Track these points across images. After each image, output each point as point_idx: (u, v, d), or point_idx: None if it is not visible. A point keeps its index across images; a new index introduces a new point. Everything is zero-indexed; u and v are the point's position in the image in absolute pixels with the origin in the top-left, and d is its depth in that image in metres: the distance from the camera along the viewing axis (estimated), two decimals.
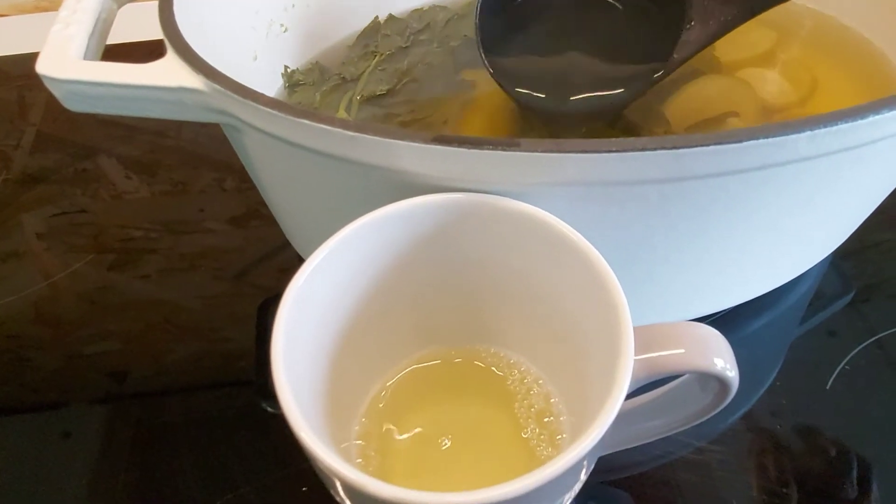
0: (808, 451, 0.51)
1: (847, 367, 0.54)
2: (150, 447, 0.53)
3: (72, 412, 0.56)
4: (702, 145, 0.36)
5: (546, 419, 0.44)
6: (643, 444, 0.46)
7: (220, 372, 0.58)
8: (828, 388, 0.53)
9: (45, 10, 1.00)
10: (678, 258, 0.46)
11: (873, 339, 0.56)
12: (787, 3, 0.55)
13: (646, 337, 0.36)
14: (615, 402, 0.32)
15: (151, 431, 0.54)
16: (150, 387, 0.57)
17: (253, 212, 0.69)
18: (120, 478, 0.51)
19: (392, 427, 0.45)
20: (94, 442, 0.53)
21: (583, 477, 0.36)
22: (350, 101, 0.61)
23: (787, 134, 0.36)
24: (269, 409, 0.54)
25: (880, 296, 0.60)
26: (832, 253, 0.60)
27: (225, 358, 0.59)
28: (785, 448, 0.51)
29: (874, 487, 0.49)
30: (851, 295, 0.60)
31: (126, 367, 0.58)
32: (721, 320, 0.56)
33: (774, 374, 0.55)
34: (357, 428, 0.44)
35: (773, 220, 0.45)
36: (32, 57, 0.45)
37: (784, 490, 0.48)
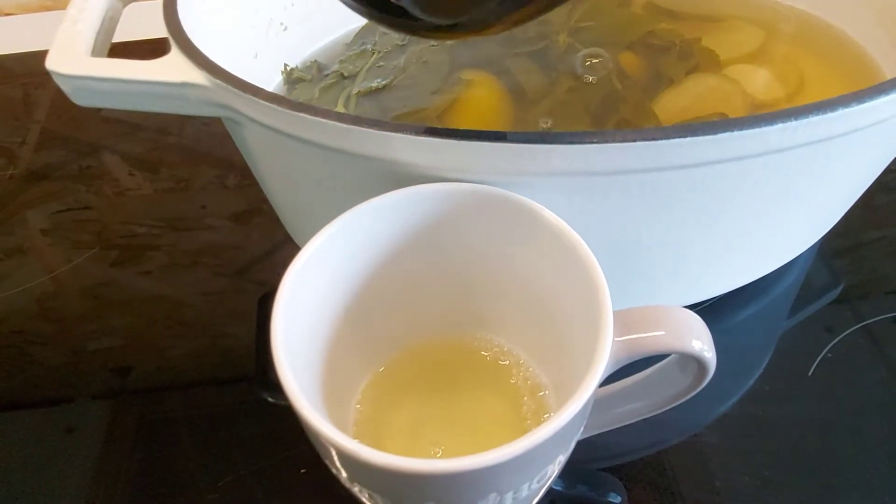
0: (790, 436, 0.53)
1: (829, 354, 0.56)
2: (152, 440, 0.54)
3: (75, 407, 0.57)
4: (678, 137, 0.38)
5: (534, 399, 0.46)
6: (635, 434, 0.48)
7: (222, 367, 0.59)
8: (810, 375, 0.55)
9: (50, 8, 1.01)
10: (662, 247, 0.48)
11: (854, 328, 0.58)
12: (776, 4, 0.57)
13: (627, 319, 0.38)
14: (593, 379, 0.34)
15: (154, 425, 0.55)
16: (152, 382, 0.58)
17: (254, 209, 0.71)
18: (123, 472, 0.52)
19: (386, 412, 0.47)
20: (97, 437, 0.55)
21: (565, 452, 0.38)
22: (348, 96, 0.62)
23: (760, 126, 0.39)
24: (269, 399, 0.56)
25: (869, 289, 0.62)
26: (821, 247, 0.62)
27: (227, 353, 0.60)
28: (768, 433, 0.53)
29: (853, 471, 0.51)
30: (840, 288, 0.62)
31: (129, 362, 0.60)
32: (708, 310, 0.58)
33: (760, 363, 0.56)
34: (352, 414, 0.46)
35: (751, 209, 0.47)
36: (37, 55, 0.47)
37: (766, 473, 0.50)
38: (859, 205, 0.59)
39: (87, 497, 0.51)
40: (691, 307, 0.42)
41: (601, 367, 0.35)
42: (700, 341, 0.38)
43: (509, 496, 0.36)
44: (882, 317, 0.59)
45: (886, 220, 0.67)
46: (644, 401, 0.44)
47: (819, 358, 0.56)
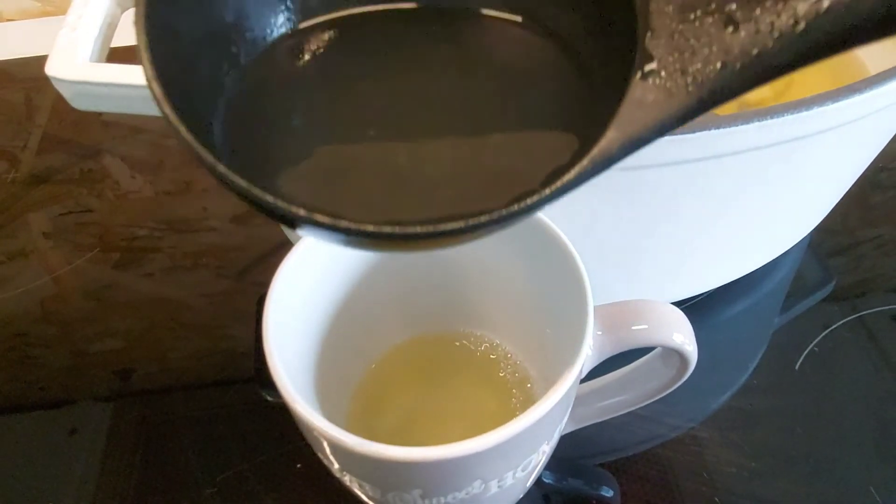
0: (776, 428, 0.54)
1: (816, 348, 0.58)
2: (154, 441, 0.56)
3: (78, 409, 0.58)
4: None
5: (522, 392, 0.48)
6: (627, 429, 0.50)
7: (223, 367, 0.61)
8: (796, 368, 0.57)
9: (51, 14, 1.01)
10: (647, 243, 0.50)
11: (840, 323, 0.60)
12: None
13: (611, 313, 0.40)
14: (573, 371, 0.36)
15: (156, 426, 0.56)
16: (154, 383, 0.60)
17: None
18: (126, 472, 0.54)
19: (379, 408, 0.48)
20: (100, 438, 0.56)
21: (549, 441, 0.40)
22: None
23: (738, 125, 0.40)
24: (268, 398, 0.57)
25: (859, 285, 0.63)
26: (817, 245, 0.63)
27: (228, 354, 0.62)
28: (755, 425, 0.54)
29: (838, 461, 0.52)
30: (832, 285, 0.63)
31: (131, 364, 0.61)
32: (697, 305, 0.59)
33: (749, 357, 0.58)
34: (346, 410, 0.48)
35: (734, 206, 0.48)
36: (39, 60, 0.48)
37: (752, 464, 0.52)
38: (854, 203, 0.61)
39: (90, 497, 0.53)
40: (681, 303, 0.43)
41: (581, 360, 0.36)
42: (681, 334, 0.40)
43: (494, 484, 0.37)
44: (869, 311, 0.61)
45: (881, 219, 0.69)
46: (629, 394, 0.46)
47: (805, 352, 0.58)
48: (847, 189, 0.57)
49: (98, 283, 0.68)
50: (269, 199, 0.25)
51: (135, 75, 0.48)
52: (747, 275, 0.58)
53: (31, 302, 0.66)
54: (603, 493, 0.52)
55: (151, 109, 0.50)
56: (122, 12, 0.54)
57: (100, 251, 0.70)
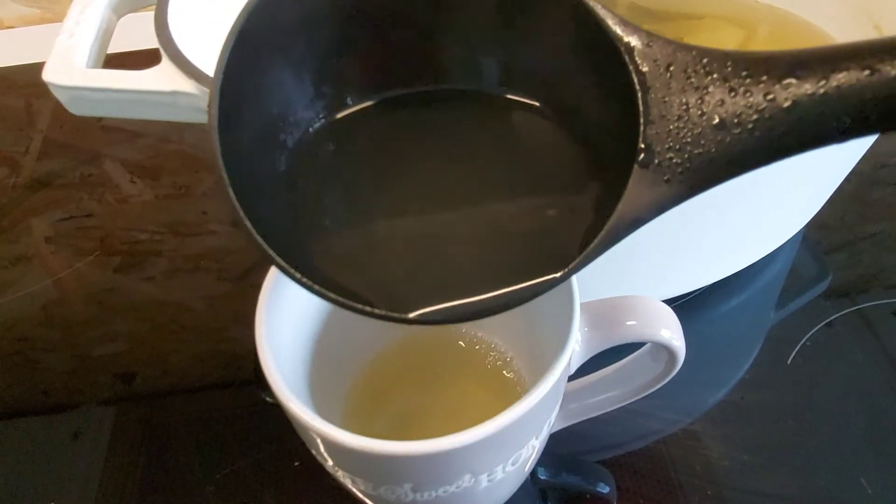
0: (768, 422, 0.55)
1: (808, 343, 0.59)
2: (157, 443, 0.56)
3: (81, 413, 0.59)
4: None
5: (516, 389, 0.49)
6: (622, 425, 0.51)
7: (225, 370, 0.61)
8: (788, 363, 0.58)
9: (51, 21, 1.02)
10: (638, 241, 0.49)
11: (833, 318, 0.61)
12: (755, 2, 0.58)
13: (599, 310, 0.41)
14: (558, 367, 0.37)
15: (158, 429, 0.57)
16: (156, 386, 0.60)
17: None
18: (129, 475, 0.54)
19: (375, 407, 0.49)
20: (103, 441, 0.57)
21: (538, 436, 0.40)
22: None
23: None
24: (268, 399, 0.58)
25: (856, 281, 0.64)
26: (817, 242, 0.64)
27: (229, 356, 0.63)
28: (746, 419, 0.55)
29: (829, 454, 0.53)
30: (828, 280, 0.64)
31: (133, 367, 0.62)
32: (692, 302, 0.60)
33: (742, 353, 0.58)
34: (341, 409, 0.49)
35: (723, 202, 0.49)
36: (39, 66, 0.49)
37: (745, 457, 0.53)
38: (853, 200, 0.61)
39: (92, 498, 0.53)
40: (676, 300, 0.44)
41: (567, 356, 0.37)
42: (669, 330, 0.40)
43: (484, 478, 0.38)
44: (868, 305, 0.61)
45: (879, 216, 0.69)
46: (618, 389, 0.47)
47: (798, 346, 0.59)
48: (838, 185, 0.58)
49: (99, 287, 0.68)
50: (359, 306, 0.31)
51: (130, 80, 0.49)
52: (742, 271, 0.59)
53: (33, 306, 0.67)
54: (599, 488, 0.52)
55: (146, 114, 0.51)
56: (118, 18, 0.55)
57: (101, 255, 0.71)
